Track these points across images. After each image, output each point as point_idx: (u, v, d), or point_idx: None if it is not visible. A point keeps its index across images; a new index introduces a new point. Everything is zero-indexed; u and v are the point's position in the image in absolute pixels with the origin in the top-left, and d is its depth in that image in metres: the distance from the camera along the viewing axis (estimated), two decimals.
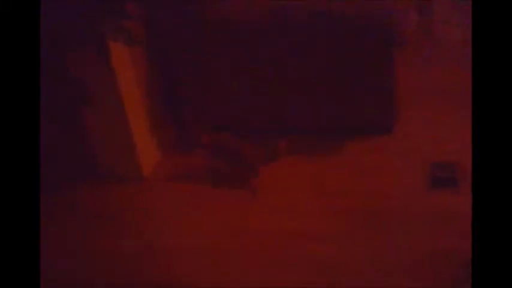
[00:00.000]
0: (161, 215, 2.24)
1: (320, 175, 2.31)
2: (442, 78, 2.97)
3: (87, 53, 2.13)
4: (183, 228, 2.14)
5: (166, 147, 2.67)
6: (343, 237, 1.97)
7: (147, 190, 2.40)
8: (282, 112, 2.63)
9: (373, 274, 1.81)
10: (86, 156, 2.49)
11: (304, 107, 2.59)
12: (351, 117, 2.56)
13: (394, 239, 1.93)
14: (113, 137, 2.41)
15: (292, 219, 2.10)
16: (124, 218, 2.25)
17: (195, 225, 2.15)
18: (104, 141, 2.44)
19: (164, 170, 2.51)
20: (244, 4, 2.48)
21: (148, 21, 2.46)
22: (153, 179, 2.46)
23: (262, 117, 2.66)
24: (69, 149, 2.54)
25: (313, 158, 2.44)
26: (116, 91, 2.29)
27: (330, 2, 2.41)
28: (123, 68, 2.32)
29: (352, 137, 2.52)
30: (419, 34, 3.65)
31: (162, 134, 2.65)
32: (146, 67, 2.51)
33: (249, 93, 2.61)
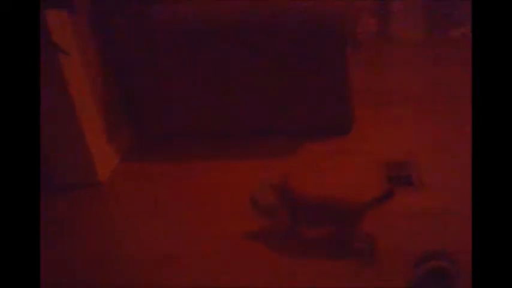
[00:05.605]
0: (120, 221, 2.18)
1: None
2: (401, 79, 3.04)
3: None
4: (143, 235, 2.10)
5: (123, 152, 2.59)
6: None
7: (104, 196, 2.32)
8: (239, 115, 2.60)
9: None
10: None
11: (259, 108, 2.57)
12: (308, 119, 2.56)
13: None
14: (65, 141, 2.29)
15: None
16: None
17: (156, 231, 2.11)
18: (56, 147, 2.32)
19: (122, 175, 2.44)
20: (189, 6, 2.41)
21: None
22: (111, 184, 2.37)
23: (218, 120, 2.62)
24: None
25: (271, 159, 2.43)
26: (67, 96, 2.17)
27: (282, 2, 2.36)
28: (74, 68, 2.21)
29: (310, 138, 2.54)
30: (375, 35, 3.71)
31: (119, 138, 2.58)
32: (98, 68, 2.43)
33: (202, 96, 2.56)
